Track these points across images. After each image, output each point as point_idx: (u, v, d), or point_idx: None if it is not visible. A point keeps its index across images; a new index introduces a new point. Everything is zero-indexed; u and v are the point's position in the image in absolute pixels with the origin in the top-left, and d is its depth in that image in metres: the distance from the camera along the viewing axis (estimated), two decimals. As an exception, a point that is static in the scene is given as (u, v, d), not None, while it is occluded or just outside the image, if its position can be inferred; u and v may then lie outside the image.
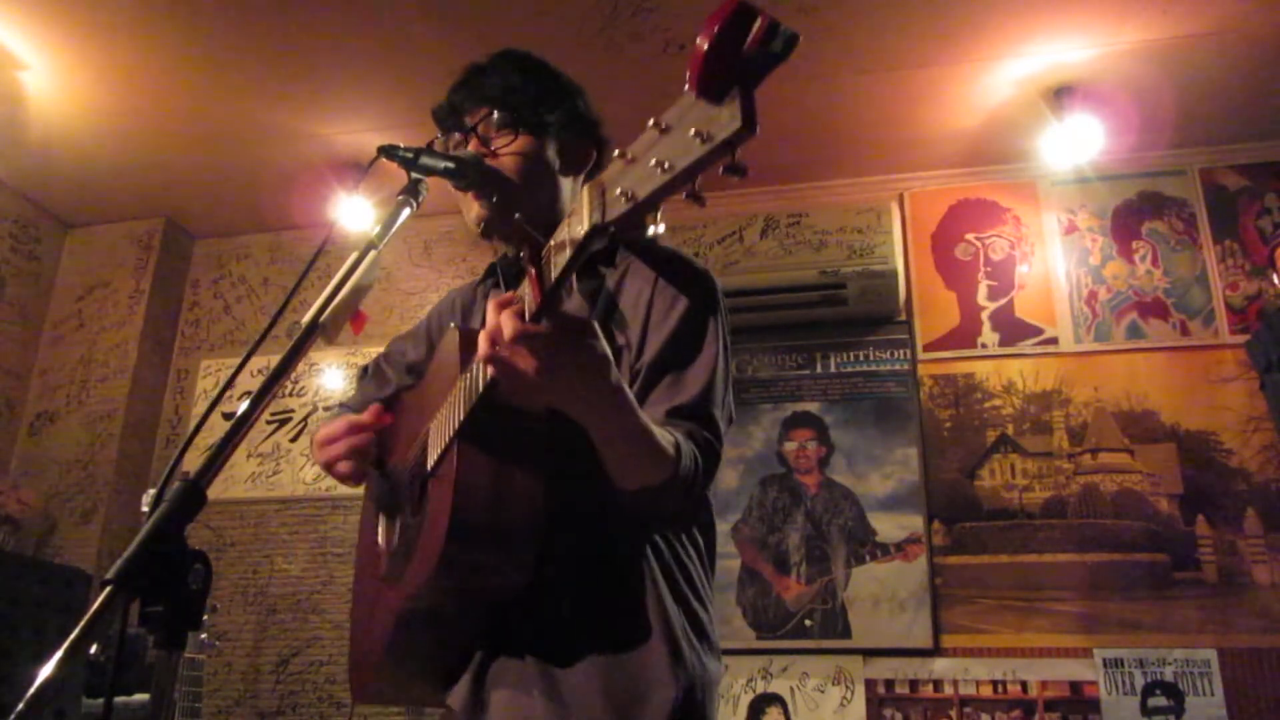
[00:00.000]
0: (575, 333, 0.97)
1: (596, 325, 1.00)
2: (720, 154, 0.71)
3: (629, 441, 1.08)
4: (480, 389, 1.05)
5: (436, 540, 1.10)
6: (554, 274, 0.90)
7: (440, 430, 1.18)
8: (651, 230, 0.80)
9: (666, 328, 1.27)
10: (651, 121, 0.76)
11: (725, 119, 0.70)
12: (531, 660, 1.17)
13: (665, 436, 1.12)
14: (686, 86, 0.72)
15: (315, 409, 3.79)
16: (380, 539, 1.38)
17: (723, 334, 1.33)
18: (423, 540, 1.17)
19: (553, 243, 0.91)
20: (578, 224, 0.85)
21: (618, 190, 0.79)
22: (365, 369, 1.63)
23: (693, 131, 0.71)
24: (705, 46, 0.68)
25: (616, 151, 0.80)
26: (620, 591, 1.21)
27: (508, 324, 0.95)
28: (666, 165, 0.74)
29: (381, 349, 1.67)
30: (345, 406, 1.55)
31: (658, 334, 1.27)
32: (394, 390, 1.53)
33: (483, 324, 1.43)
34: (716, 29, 0.68)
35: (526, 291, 0.96)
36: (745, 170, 0.71)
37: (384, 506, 1.39)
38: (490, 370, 0.99)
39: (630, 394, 1.06)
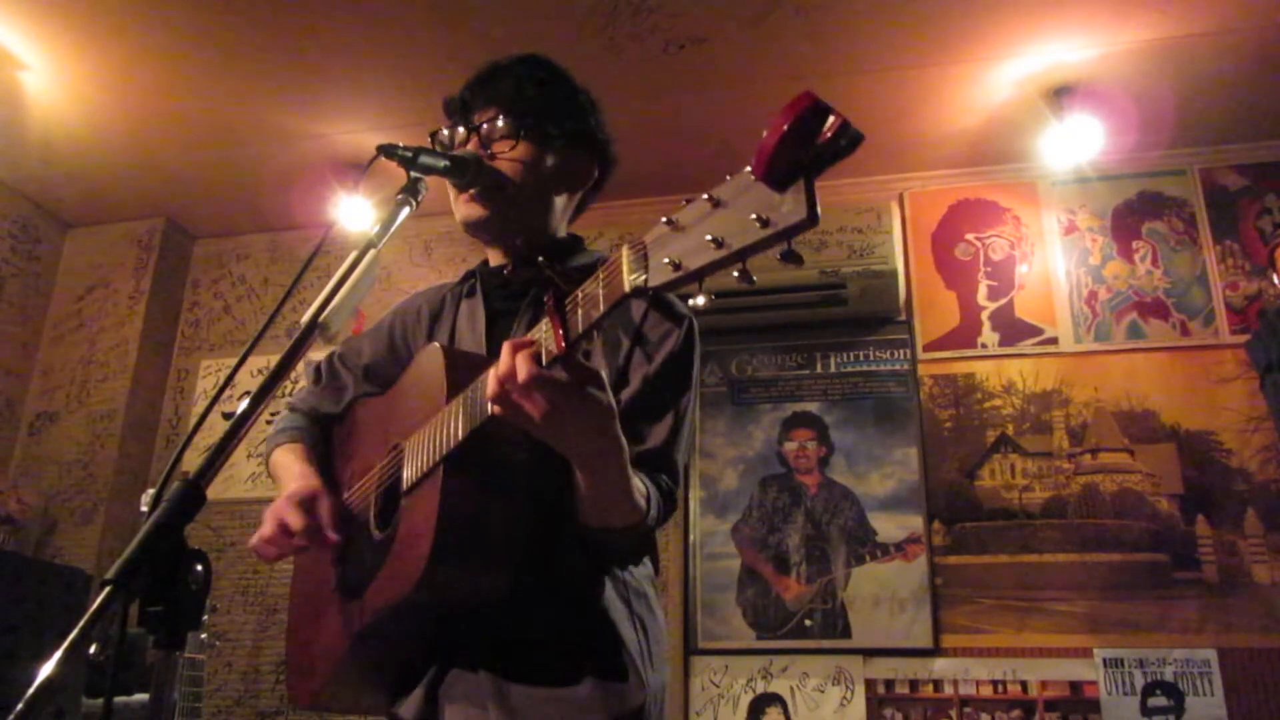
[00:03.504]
0: (586, 383, 0.98)
1: (604, 376, 1.00)
2: (777, 240, 0.72)
3: (612, 490, 1.10)
4: (481, 420, 1.05)
5: (416, 560, 1.10)
6: (580, 326, 0.90)
7: (420, 449, 1.17)
8: (692, 301, 0.80)
9: (649, 368, 1.28)
10: (705, 196, 0.77)
11: (788, 207, 0.71)
12: (486, 675, 1.18)
13: (639, 488, 1.14)
14: (749, 168, 0.73)
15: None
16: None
17: (697, 380, 1.34)
18: (395, 557, 1.17)
19: (580, 294, 0.91)
20: (614, 282, 0.85)
21: (664, 258, 0.79)
22: (318, 368, 1.57)
23: (753, 215, 0.72)
24: (778, 136, 0.69)
25: (664, 218, 0.80)
26: (580, 614, 1.22)
27: (523, 367, 0.95)
28: (721, 242, 0.75)
29: None
30: (298, 410, 1.52)
31: (639, 372, 1.28)
32: (350, 397, 1.49)
33: (452, 335, 1.43)
34: (790, 121, 0.69)
35: (544, 335, 0.96)
36: (801, 259, 0.73)
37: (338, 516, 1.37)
38: (496, 409, 0.99)
39: (625, 446, 1.07)
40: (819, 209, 0.70)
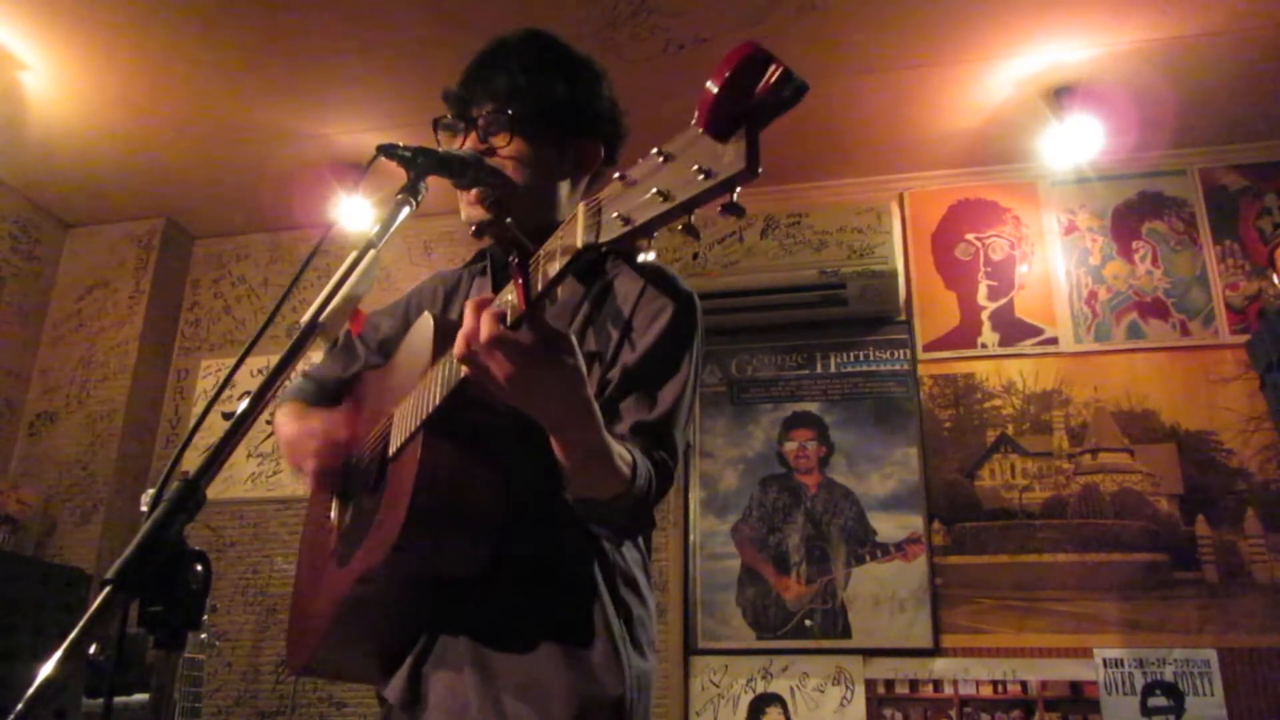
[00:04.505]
0: (552, 345, 0.98)
1: (574, 339, 1.00)
2: (719, 192, 0.72)
3: (587, 456, 1.08)
4: (454, 383, 1.06)
5: (393, 526, 1.11)
6: (540, 284, 0.91)
7: (406, 416, 1.18)
8: (641, 256, 0.81)
9: (646, 340, 1.27)
10: (655, 149, 0.77)
11: (729, 159, 0.71)
12: (466, 641, 1.20)
13: (624, 456, 1.12)
14: (694, 120, 0.73)
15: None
16: (332, 515, 1.39)
17: (697, 358, 1.32)
18: (378, 524, 1.18)
19: (542, 252, 0.91)
20: (570, 238, 0.86)
21: (614, 213, 0.80)
22: (335, 339, 1.60)
23: (695, 167, 0.73)
24: (718, 85, 0.69)
25: (616, 174, 0.81)
26: (564, 592, 1.23)
27: (486, 327, 0.95)
28: (667, 195, 0.75)
29: None
30: (309, 377, 1.55)
31: (637, 345, 1.27)
32: (361, 367, 1.52)
33: (462, 312, 1.44)
34: (730, 70, 0.69)
35: (510, 296, 0.96)
36: (743, 211, 0.73)
37: (338, 484, 1.40)
38: (463, 370, 1.00)
39: (597, 411, 1.06)
40: (759, 159, 0.69)
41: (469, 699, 1.16)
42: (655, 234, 0.79)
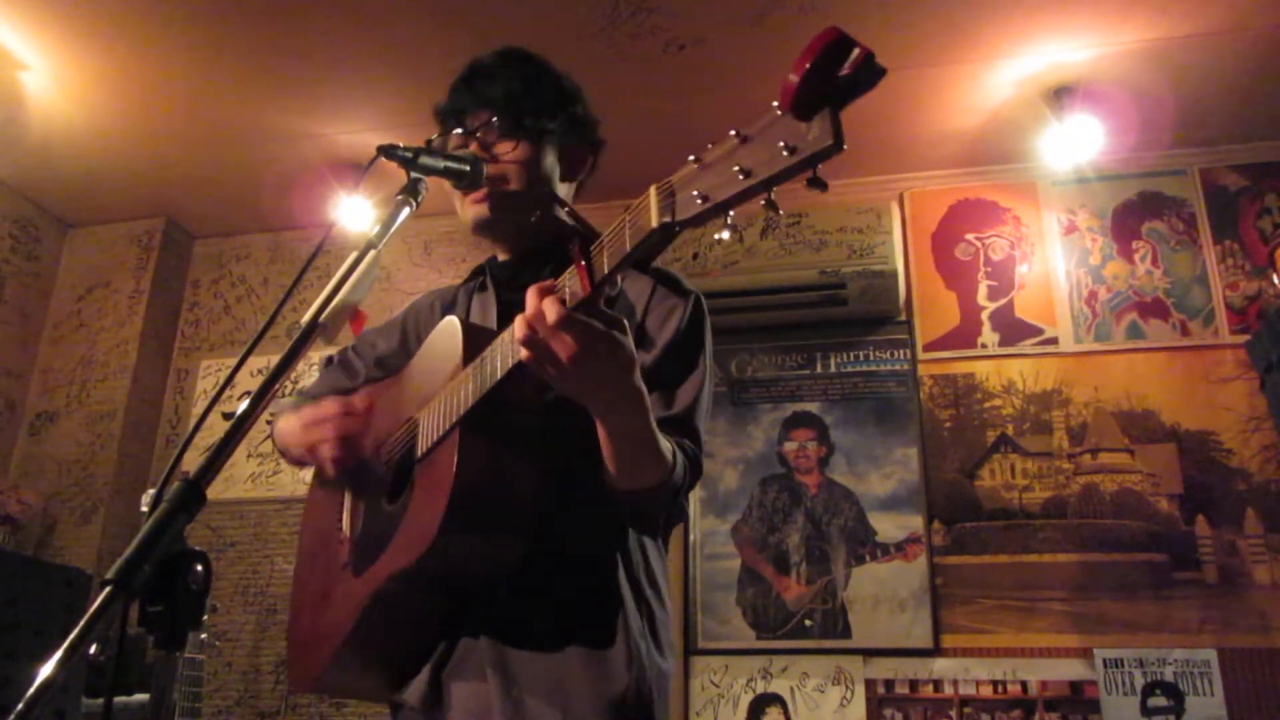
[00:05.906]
0: (614, 328, 0.99)
1: (627, 324, 1.02)
2: (804, 167, 0.74)
3: (637, 442, 1.10)
4: (498, 377, 1.06)
5: (430, 523, 1.10)
6: (606, 267, 0.92)
7: (434, 419, 1.18)
8: (717, 236, 0.83)
9: (662, 338, 1.30)
10: (732, 131, 0.79)
11: (815, 135, 0.73)
12: (487, 641, 1.20)
13: (665, 443, 1.14)
14: (775, 103, 0.75)
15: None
16: (344, 526, 1.37)
17: (710, 353, 1.36)
18: (408, 525, 1.18)
19: (605, 237, 0.92)
20: (642, 220, 0.87)
21: (692, 191, 0.81)
22: (330, 359, 1.61)
23: (780, 144, 0.75)
24: (805, 67, 0.72)
25: (690, 156, 0.83)
26: (587, 592, 1.23)
27: (551, 309, 0.96)
28: (749, 172, 0.77)
29: None
30: (304, 394, 1.53)
31: (653, 344, 1.29)
32: (362, 381, 1.52)
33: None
34: (815, 53, 0.72)
35: (569, 281, 0.97)
36: (825, 185, 0.75)
37: (349, 494, 1.39)
38: (524, 354, 1.00)
39: (647, 397, 1.08)
40: (844, 135, 0.72)
41: (491, 701, 1.16)
42: (731, 213, 0.81)
